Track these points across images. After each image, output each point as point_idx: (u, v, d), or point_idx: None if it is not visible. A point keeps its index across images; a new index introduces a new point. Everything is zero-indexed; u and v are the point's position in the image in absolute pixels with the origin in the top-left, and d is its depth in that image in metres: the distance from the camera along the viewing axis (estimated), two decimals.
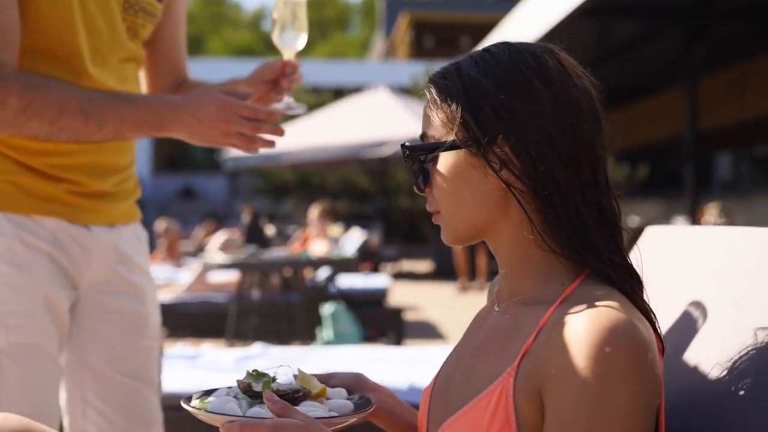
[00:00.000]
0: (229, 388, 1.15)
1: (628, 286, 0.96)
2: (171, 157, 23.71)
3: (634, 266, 1.00)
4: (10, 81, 1.39)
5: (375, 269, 10.71)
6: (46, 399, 1.54)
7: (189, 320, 5.79)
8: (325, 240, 6.10)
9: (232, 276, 5.93)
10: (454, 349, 1.12)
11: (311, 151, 9.83)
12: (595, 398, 0.85)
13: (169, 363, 3.20)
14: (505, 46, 1.01)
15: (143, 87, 1.78)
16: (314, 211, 6.63)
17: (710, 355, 1.07)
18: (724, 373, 1.03)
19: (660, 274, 1.40)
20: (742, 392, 0.98)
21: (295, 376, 1.16)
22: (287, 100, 1.57)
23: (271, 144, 1.50)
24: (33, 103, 1.40)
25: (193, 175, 22.32)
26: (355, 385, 1.19)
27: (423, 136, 1.03)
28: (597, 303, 0.90)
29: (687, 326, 1.17)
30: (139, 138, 1.56)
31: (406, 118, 10.66)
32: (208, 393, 1.14)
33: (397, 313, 5.97)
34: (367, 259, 10.38)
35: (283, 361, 3.23)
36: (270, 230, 5.72)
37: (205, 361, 3.28)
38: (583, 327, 0.88)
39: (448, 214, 1.02)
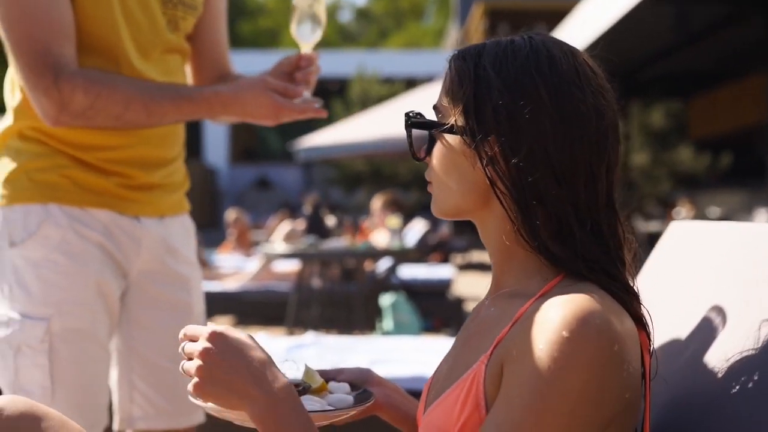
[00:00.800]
0: None
1: (615, 289, 0.95)
2: (247, 148, 24.19)
3: (633, 274, 1.00)
4: (77, 77, 1.47)
5: (445, 260, 10.68)
6: (96, 382, 1.61)
7: (253, 308, 5.92)
8: (385, 231, 6.13)
9: (295, 266, 6.02)
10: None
11: (383, 142, 9.87)
12: (545, 380, 0.85)
13: None
14: (529, 41, 1.00)
15: (189, 80, 1.83)
16: (377, 202, 6.67)
17: (720, 356, 1.04)
18: (726, 373, 1.00)
19: (682, 271, 1.36)
20: (744, 394, 0.95)
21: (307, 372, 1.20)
22: (304, 94, 1.58)
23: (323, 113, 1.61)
24: (99, 100, 1.48)
25: (269, 166, 22.72)
26: (362, 379, 1.22)
27: (434, 107, 1.05)
28: (573, 294, 0.90)
29: (701, 326, 1.14)
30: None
31: None
32: None
33: (459, 303, 5.95)
34: (436, 249, 10.37)
35: (334, 351, 3.26)
36: (330, 221, 5.78)
37: None
38: (551, 313, 0.88)
39: (436, 189, 1.05)
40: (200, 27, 1.78)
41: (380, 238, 6.19)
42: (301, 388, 1.13)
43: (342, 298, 5.42)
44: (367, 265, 6.01)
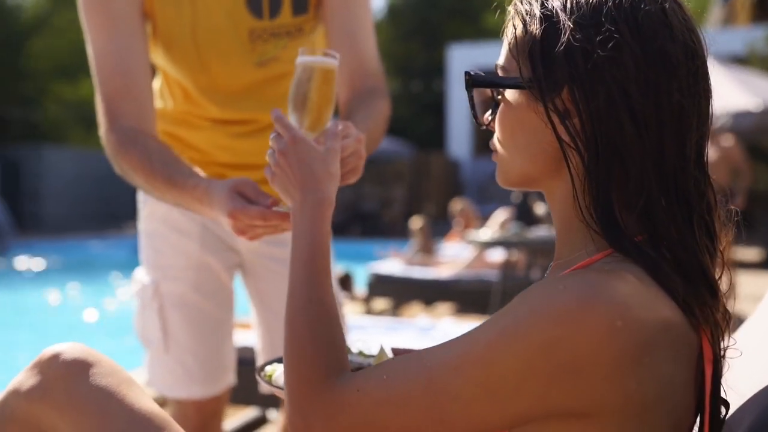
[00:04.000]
0: None
1: (664, 277, 0.83)
2: (490, 140, 24.20)
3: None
4: (112, 134, 1.47)
5: None
6: (203, 342, 1.76)
7: (466, 296, 5.94)
8: None
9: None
10: None
11: None
12: (516, 313, 0.80)
13: (402, 331, 3.35)
14: None
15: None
16: None
17: None
18: None
19: None
20: None
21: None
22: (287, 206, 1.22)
23: None
24: (117, 160, 1.48)
25: None
26: None
27: (495, 68, 0.98)
28: (608, 268, 0.82)
29: None
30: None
31: (732, 90, 9.60)
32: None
33: None
34: None
35: None
36: (540, 209, 5.59)
37: (437, 333, 3.36)
38: (572, 272, 0.83)
39: (503, 155, 0.97)
40: (329, 32, 1.62)
41: None
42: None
43: None
44: None
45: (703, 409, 0.85)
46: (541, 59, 0.87)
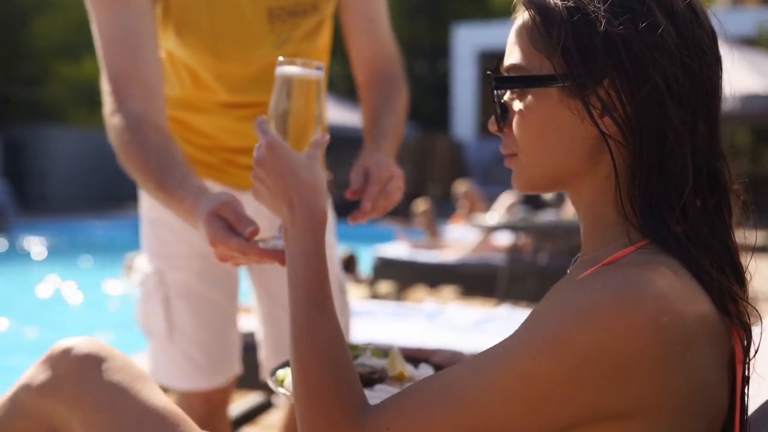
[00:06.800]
0: None
1: (698, 268, 0.81)
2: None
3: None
4: (115, 117, 1.40)
5: None
6: (209, 332, 1.73)
7: (471, 280, 5.91)
8: None
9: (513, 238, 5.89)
10: None
11: None
12: (555, 326, 0.76)
13: (409, 318, 3.32)
14: None
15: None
16: None
17: None
18: None
19: None
20: None
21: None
22: (273, 242, 1.19)
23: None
24: (118, 149, 1.41)
25: None
26: (453, 363, 1.18)
27: (508, 68, 0.92)
28: (643, 262, 0.79)
29: None
30: None
31: (741, 73, 9.51)
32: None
33: None
34: None
35: None
36: (547, 194, 5.55)
37: (444, 320, 3.33)
38: (606, 268, 0.80)
39: (526, 158, 0.92)
40: (343, 17, 1.65)
41: None
42: (377, 375, 1.12)
43: (555, 273, 5.20)
44: None
45: (733, 409, 0.82)
46: (578, 53, 0.84)
